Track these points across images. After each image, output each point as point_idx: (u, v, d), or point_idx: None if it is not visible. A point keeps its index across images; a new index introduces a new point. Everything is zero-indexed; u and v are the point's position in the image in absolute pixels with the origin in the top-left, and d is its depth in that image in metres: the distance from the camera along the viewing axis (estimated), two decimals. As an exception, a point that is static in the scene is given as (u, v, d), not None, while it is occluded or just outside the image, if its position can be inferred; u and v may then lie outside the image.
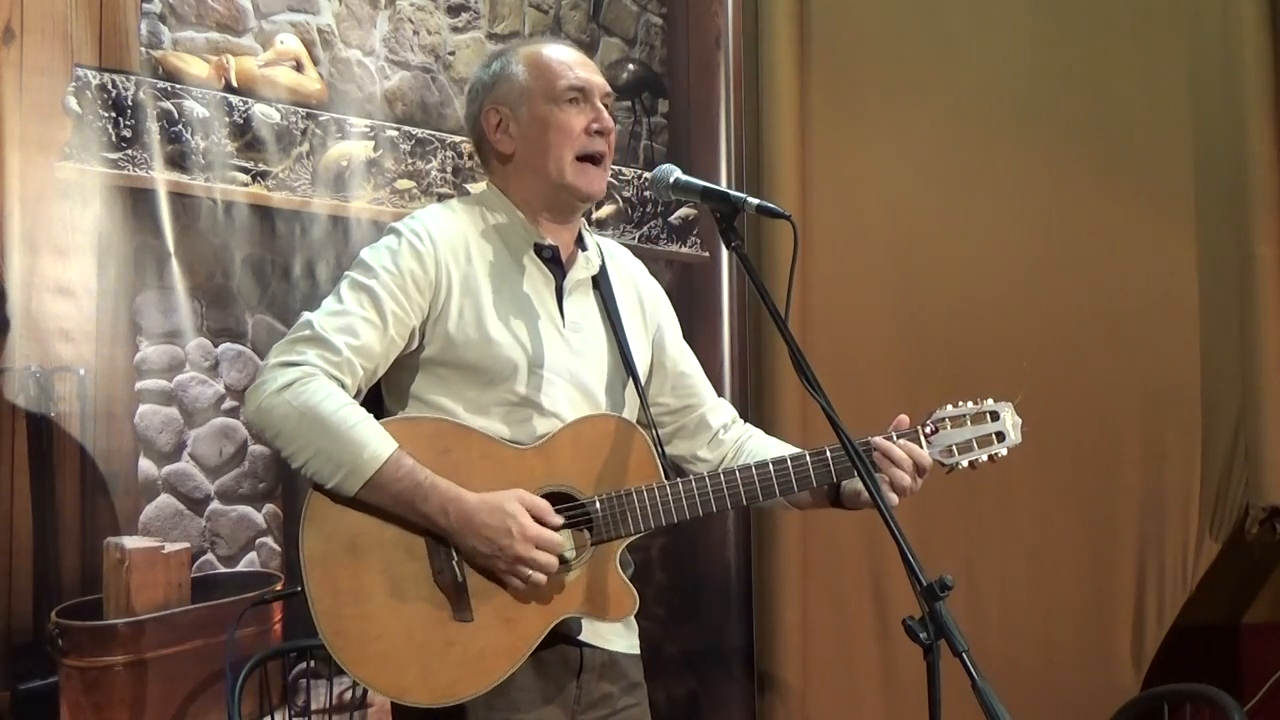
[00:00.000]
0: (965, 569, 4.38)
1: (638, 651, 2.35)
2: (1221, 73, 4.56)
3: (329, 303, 2.20)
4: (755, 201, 2.17)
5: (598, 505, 2.18)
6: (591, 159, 2.30)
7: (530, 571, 2.10)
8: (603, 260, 2.38)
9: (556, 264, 2.30)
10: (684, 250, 4.31)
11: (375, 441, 2.09)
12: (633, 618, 2.30)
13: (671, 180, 2.24)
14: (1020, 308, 4.56)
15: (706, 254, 4.34)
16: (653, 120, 4.31)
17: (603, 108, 2.32)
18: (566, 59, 2.33)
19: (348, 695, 3.43)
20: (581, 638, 2.22)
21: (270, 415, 2.10)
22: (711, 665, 4.26)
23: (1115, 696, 3.92)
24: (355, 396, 2.16)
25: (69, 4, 3.19)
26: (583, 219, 2.40)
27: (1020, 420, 2.34)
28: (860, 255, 4.60)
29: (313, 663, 3.42)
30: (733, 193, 2.20)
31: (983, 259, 4.60)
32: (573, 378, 2.27)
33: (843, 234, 4.56)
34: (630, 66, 4.27)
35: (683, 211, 4.32)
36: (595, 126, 2.29)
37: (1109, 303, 4.59)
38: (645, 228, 4.18)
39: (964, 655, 1.80)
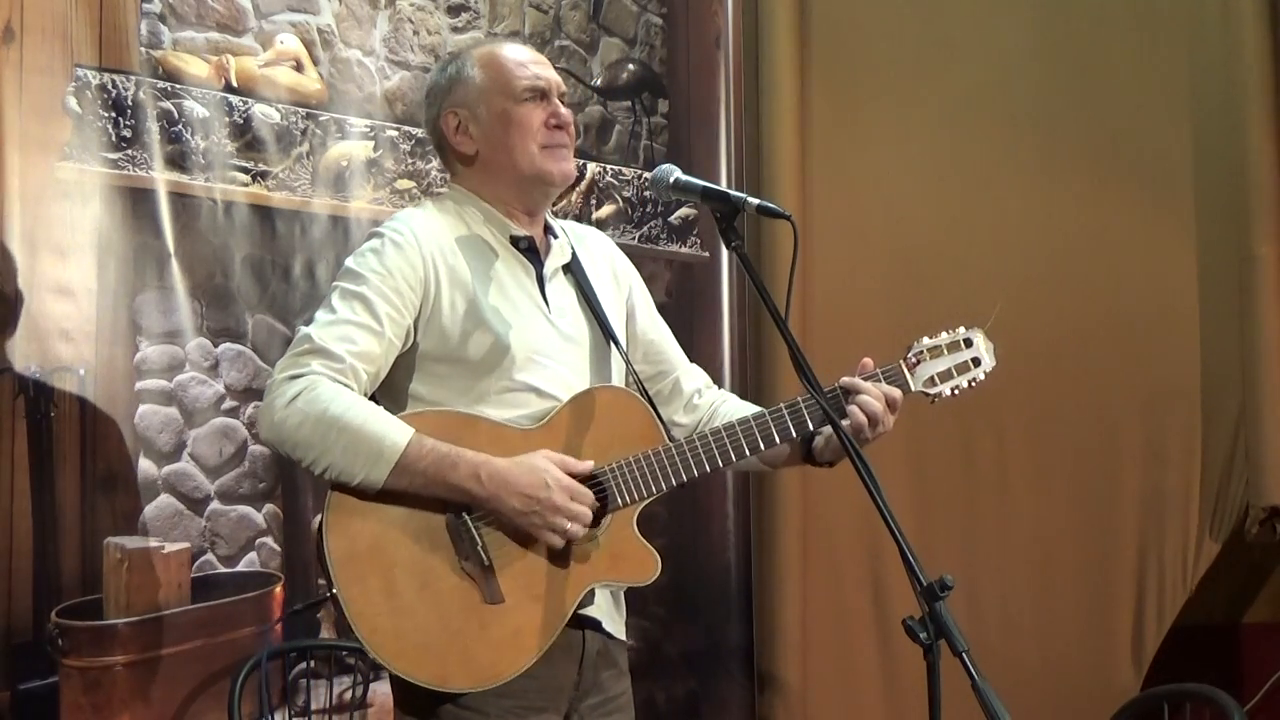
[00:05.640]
0: (965, 569, 4.37)
1: (624, 637, 2.39)
2: (1221, 73, 4.56)
3: (322, 314, 2.21)
4: (755, 201, 2.19)
5: (609, 474, 2.22)
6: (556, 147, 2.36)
7: (568, 523, 2.14)
8: (572, 244, 2.44)
9: (533, 253, 2.36)
10: (684, 250, 4.30)
11: (394, 429, 2.13)
12: (624, 604, 2.37)
13: (671, 180, 2.27)
14: (1020, 308, 4.55)
15: (706, 254, 4.33)
16: (653, 120, 4.31)
17: (559, 103, 2.37)
18: (522, 58, 2.39)
19: (348, 695, 3.43)
20: (593, 614, 2.26)
21: (285, 428, 2.12)
22: (711, 665, 4.25)
23: (1115, 696, 3.92)
24: None
25: (69, 4, 3.19)
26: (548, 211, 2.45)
27: (993, 344, 2.39)
28: (860, 255, 4.59)
29: (313, 663, 3.42)
30: (733, 193, 2.22)
31: (982, 259, 4.60)
32: (564, 359, 2.32)
33: (843, 234, 4.56)
34: (630, 66, 4.27)
35: (683, 211, 4.31)
36: (554, 121, 2.35)
37: (1109, 303, 4.59)
38: (645, 228, 4.18)
39: (964, 655, 1.80)
